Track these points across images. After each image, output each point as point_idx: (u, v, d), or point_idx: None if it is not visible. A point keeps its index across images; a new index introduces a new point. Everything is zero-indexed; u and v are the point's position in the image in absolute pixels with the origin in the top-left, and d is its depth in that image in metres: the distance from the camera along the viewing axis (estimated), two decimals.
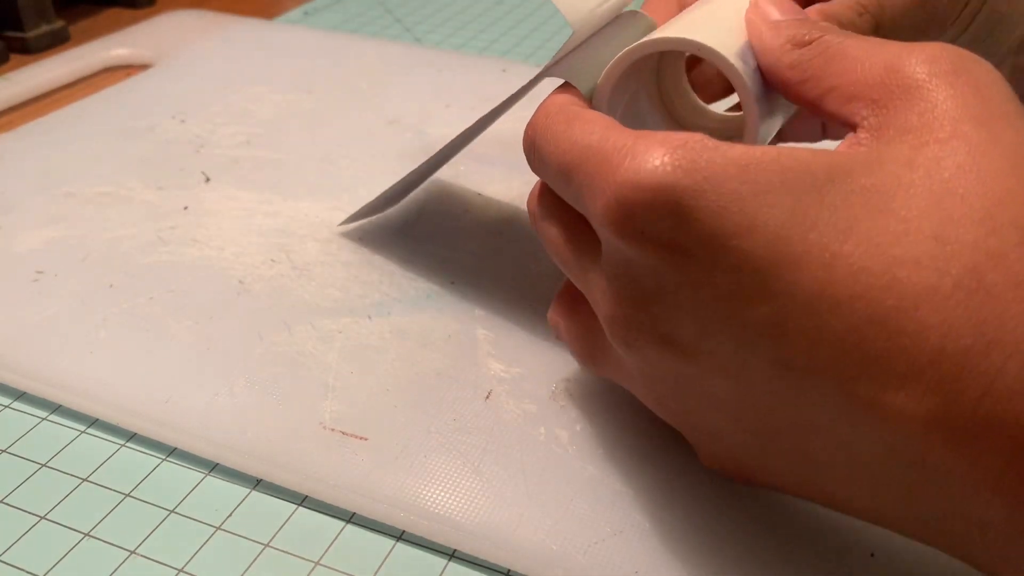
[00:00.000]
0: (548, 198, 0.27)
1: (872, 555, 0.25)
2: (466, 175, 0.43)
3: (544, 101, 0.26)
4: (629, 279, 0.23)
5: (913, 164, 0.20)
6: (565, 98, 0.26)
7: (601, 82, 0.27)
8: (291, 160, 0.45)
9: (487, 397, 0.30)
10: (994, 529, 0.19)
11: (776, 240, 0.20)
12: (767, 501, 0.26)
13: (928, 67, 0.21)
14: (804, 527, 0.26)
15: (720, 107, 0.31)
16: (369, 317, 0.34)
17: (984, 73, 0.22)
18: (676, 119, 0.31)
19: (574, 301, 0.28)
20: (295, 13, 0.67)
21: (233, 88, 0.52)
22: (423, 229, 0.39)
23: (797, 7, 0.26)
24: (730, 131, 0.30)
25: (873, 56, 0.22)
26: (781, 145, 0.22)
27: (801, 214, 0.20)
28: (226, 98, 0.51)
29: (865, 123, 0.22)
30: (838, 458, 0.21)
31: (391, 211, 0.40)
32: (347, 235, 0.39)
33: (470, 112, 0.49)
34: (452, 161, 0.44)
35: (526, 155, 0.27)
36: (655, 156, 0.21)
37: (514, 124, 0.46)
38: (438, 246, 0.38)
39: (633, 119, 0.29)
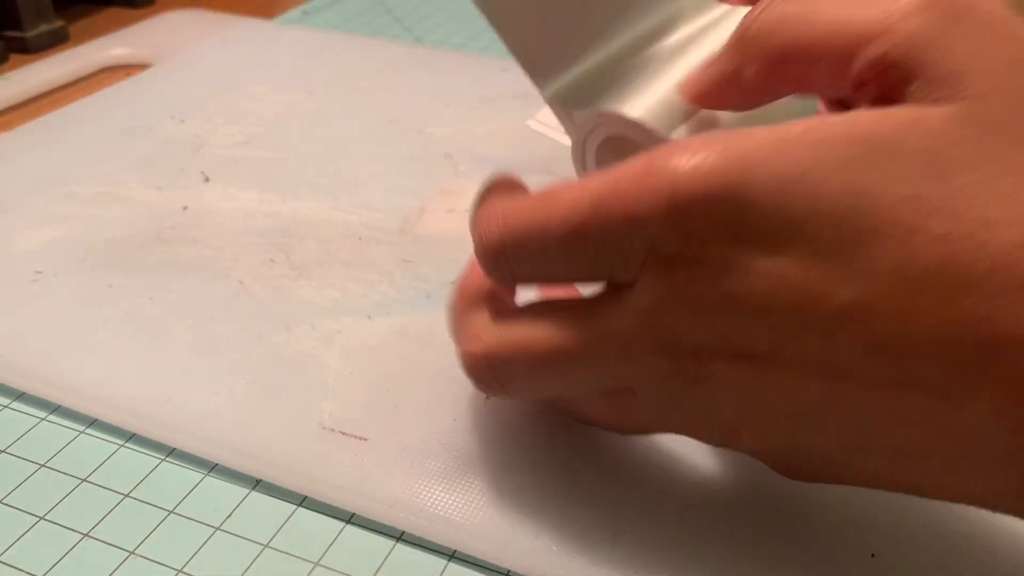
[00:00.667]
0: (506, 309, 0.25)
1: (872, 555, 0.25)
2: (466, 175, 0.43)
3: (486, 207, 0.24)
4: (689, 300, 0.21)
5: (971, 122, 0.19)
6: (500, 188, 0.25)
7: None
8: (291, 160, 0.45)
9: (487, 397, 0.30)
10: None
11: (845, 217, 0.19)
12: (769, 502, 0.26)
13: (934, 10, 0.20)
14: (804, 528, 0.26)
15: None
16: (369, 317, 0.34)
17: (993, 9, 0.20)
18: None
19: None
20: (294, 13, 0.67)
21: (232, 88, 0.52)
22: (423, 229, 0.39)
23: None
24: None
25: (864, 10, 0.21)
26: (839, 115, 0.20)
27: (868, 185, 0.19)
28: (225, 98, 0.51)
29: (903, 87, 0.20)
30: (933, 446, 0.20)
31: (391, 210, 0.40)
32: (347, 235, 0.39)
33: (470, 112, 0.49)
34: (453, 161, 0.44)
35: (496, 264, 0.24)
36: (692, 156, 0.20)
37: (514, 124, 0.47)
38: (438, 246, 0.38)
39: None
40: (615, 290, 0.22)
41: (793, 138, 0.20)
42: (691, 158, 0.20)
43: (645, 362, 0.22)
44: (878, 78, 0.21)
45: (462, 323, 0.26)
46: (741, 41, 0.23)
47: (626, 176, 0.21)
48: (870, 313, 0.19)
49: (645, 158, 0.21)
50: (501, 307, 0.25)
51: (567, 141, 0.29)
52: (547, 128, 0.31)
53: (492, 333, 0.24)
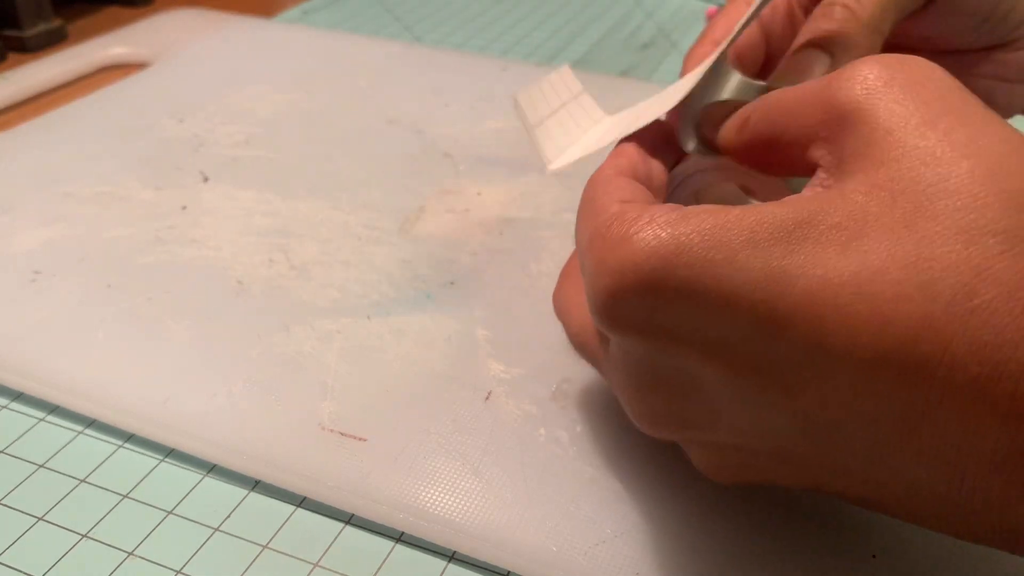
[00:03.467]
0: (567, 284, 0.28)
1: (874, 556, 0.25)
2: (466, 175, 0.43)
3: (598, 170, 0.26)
4: (631, 371, 0.23)
5: (873, 191, 0.19)
6: (608, 164, 0.26)
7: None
8: (290, 159, 0.45)
9: (487, 398, 0.30)
10: None
11: (759, 303, 0.19)
12: (768, 503, 0.26)
13: (859, 86, 0.21)
14: (805, 529, 0.26)
15: None
16: (368, 317, 0.34)
17: (919, 71, 0.21)
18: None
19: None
20: (294, 12, 0.67)
21: (231, 87, 0.52)
22: (423, 229, 0.39)
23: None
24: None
25: (807, 96, 0.22)
26: (750, 205, 0.21)
27: (777, 270, 0.19)
28: (224, 97, 0.51)
29: (823, 162, 0.21)
30: (878, 491, 0.21)
31: (390, 210, 0.40)
32: (347, 235, 0.39)
33: (470, 112, 0.49)
34: (452, 160, 0.44)
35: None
36: (625, 241, 0.21)
37: (514, 124, 0.47)
38: (438, 246, 0.38)
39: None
40: None
41: (721, 225, 0.20)
42: (625, 243, 0.21)
43: (613, 380, 0.25)
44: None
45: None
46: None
47: (589, 236, 0.22)
48: (791, 392, 0.20)
49: (607, 220, 0.22)
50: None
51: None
52: (528, 110, 0.31)
53: (562, 284, 0.28)
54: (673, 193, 0.28)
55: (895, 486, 0.20)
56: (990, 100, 0.32)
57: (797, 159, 0.22)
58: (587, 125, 0.32)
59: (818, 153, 0.21)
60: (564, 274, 0.29)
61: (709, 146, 0.27)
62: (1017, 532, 0.19)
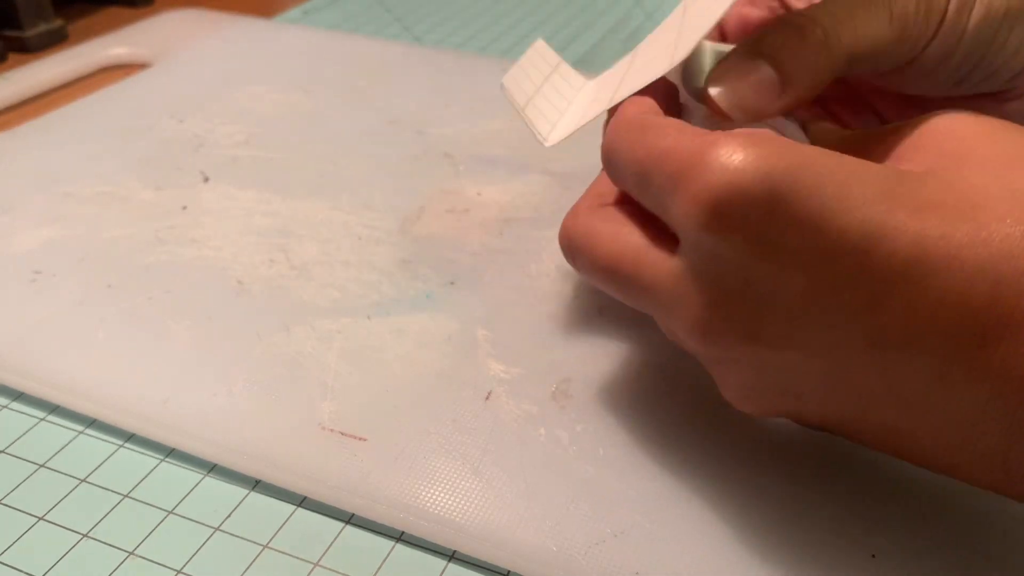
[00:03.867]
0: (592, 214, 0.27)
1: (873, 556, 0.25)
2: (466, 175, 0.43)
3: (618, 111, 0.27)
4: (714, 278, 0.22)
5: (965, 161, 0.22)
6: (638, 107, 0.26)
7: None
8: (290, 160, 0.45)
9: (487, 398, 0.30)
10: None
11: (869, 217, 0.20)
12: (769, 503, 0.26)
13: (945, 114, 0.23)
14: (805, 528, 0.26)
15: None
16: (368, 317, 0.34)
17: (993, 118, 0.23)
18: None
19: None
20: (294, 12, 0.67)
21: (232, 87, 0.52)
22: (423, 229, 0.39)
23: None
24: None
25: (901, 131, 0.24)
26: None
27: (889, 192, 0.21)
28: (225, 97, 0.51)
29: (911, 164, 0.23)
30: (926, 427, 0.22)
31: (390, 210, 0.40)
32: (347, 235, 0.39)
33: (470, 112, 0.49)
34: (452, 161, 0.44)
35: (604, 164, 0.27)
36: (740, 150, 0.21)
37: (513, 124, 0.47)
38: (438, 246, 0.38)
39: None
40: (670, 239, 0.24)
41: (837, 161, 0.21)
42: (738, 154, 0.21)
43: (671, 327, 0.25)
44: None
45: (591, 187, 0.29)
46: None
47: (673, 156, 0.23)
48: (878, 306, 0.21)
49: (700, 140, 0.22)
50: (606, 194, 0.28)
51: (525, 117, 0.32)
52: (515, 92, 0.32)
53: (579, 216, 0.28)
54: None
55: (946, 414, 0.21)
56: None
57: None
58: (571, 95, 0.33)
59: (907, 164, 0.23)
60: (580, 208, 0.28)
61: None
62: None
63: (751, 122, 0.27)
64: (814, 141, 0.27)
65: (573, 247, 0.28)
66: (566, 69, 0.34)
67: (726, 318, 0.23)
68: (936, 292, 0.20)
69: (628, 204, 0.27)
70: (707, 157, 0.22)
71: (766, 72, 0.27)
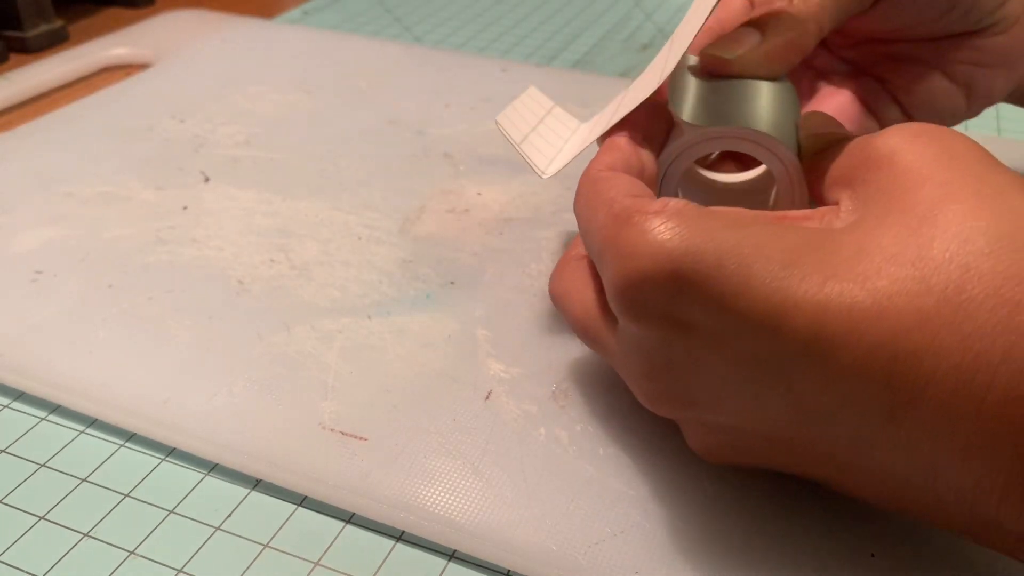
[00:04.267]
0: (568, 271, 0.29)
1: (872, 556, 0.25)
2: (466, 175, 0.43)
3: (596, 155, 0.28)
4: (643, 353, 0.24)
5: (889, 211, 0.22)
6: (603, 160, 0.27)
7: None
8: (290, 160, 0.45)
9: (487, 397, 0.30)
10: (1006, 527, 0.20)
11: (773, 292, 0.21)
12: (768, 502, 0.26)
13: (894, 139, 0.23)
14: (805, 528, 0.26)
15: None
16: (369, 317, 0.34)
17: (949, 134, 0.23)
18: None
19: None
20: (294, 12, 0.67)
21: (232, 88, 0.52)
22: (423, 229, 0.39)
23: None
24: (753, 192, 0.31)
25: (853, 147, 0.25)
26: (770, 219, 0.23)
27: (793, 264, 0.21)
28: (225, 98, 0.51)
29: (846, 196, 0.24)
30: (860, 479, 0.22)
31: (390, 210, 0.40)
32: (347, 235, 0.39)
33: (470, 112, 0.49)
34: (452, 161, 0.44)
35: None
36: (647, 233, 0.22)
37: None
38: (438, 246, 0.38)
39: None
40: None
41: (746, 236, 0.22)
42: (647, 232, 0.22)
43: (620, 361, 0.26)
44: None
45: (577, 235, 0.30)
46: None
47: (604, 224, 0.24)
48: (791, 377, 0.21)
49: (624, 210, 0.23)
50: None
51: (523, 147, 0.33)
52: (511, 129, 0.33)
53: (561, 269, 0.29)
54: (665, 175, 0.29)
55: (876, 475, 0.21)
56: (971, 86, 0.33)
57: (822, 192, 0.25)
58: (566, 133, 0.34)
59: (845, 192, 0.24)
60: (562, 262, 0.30)
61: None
62: (987, 525, 0.20)
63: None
64: (804, 142, 0.27)
65: (555, 303, 0.30)
66: (560, 112, 0.36)
67: (663, 387, 0.24)
68: (838, 368, 0.20)
69: (570, 269, 0.29)
70: (619, 241, 0.23)
71: (749, 32, 0.29)
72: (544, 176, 0.31)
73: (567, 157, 0.32)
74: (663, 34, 0.62)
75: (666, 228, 0.22)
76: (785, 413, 0.22)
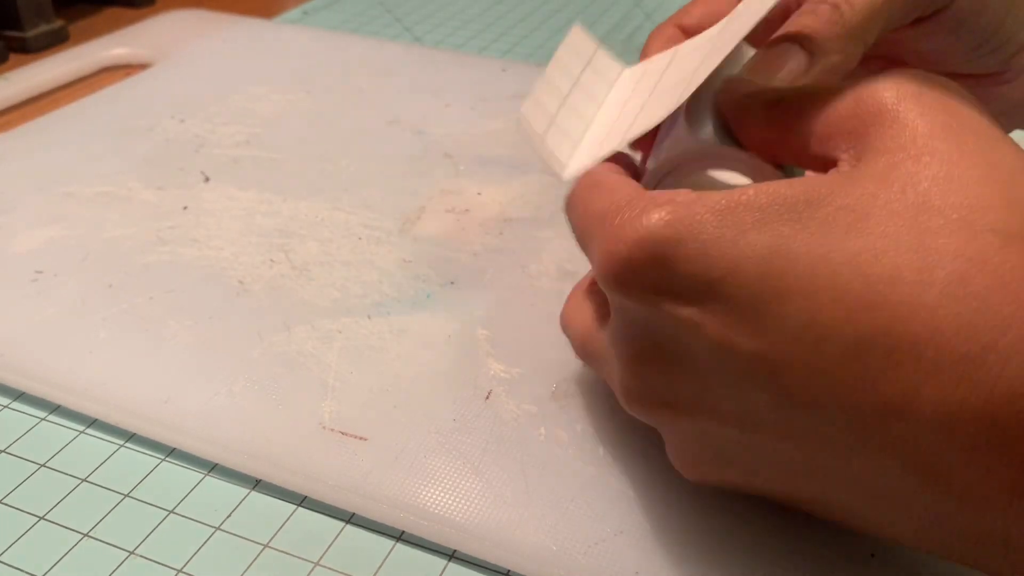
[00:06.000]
0: (574, 299, 0.29)
1: (872, 556, 0.25)
2: (466, 175, 0.43)
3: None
4: (629, 339, 0.23)
5: (887, 180, 0.20)
6: (600, 167, 0.27)
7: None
8: (291, 160, 0.45)
9: (487, 397, 0.30)
10: (1014, 543, 0.19)
11: (760, 276, 0.20)
12: (768, 502, 0.26)
13: (895, 91, 0.22)
14: (805, 528, 0.26)
15: None
16: (369, 317, 0.34)
17: (950, 91, 0.22)
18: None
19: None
20: (294, 12, 0.67)
21: (232, 88, 0.52)
22: (423, 229, 0.39)
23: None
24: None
25: (843, 92, 0.23)
26: (764, 183, 0.22)
27: (782, 247, 0.20)
28: (225, 98, 0.51)
29: (844, 155, 0.22)
30: (855, 493, 0.21)
31: (390, 210, 0.40)
32: (347, 235, 0.39)
33: (470, 112, 0.49)
34: (452, 161, 0.44)
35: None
36: (644, 214, 0.22)
37: (514, 124, 0.47)
38: (438, 246, 0.38)
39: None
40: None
41: (734, 204, 0.21)
42: (641, 218, 0.22)
43: (609, 359, 0.25)
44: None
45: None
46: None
47: (599, 217, 0.23)
48: (777, 367, 0.20)
49: (618, 202, 0.23)
50: None
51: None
52: (534, 118, 0.30)
53: (570, 299, 0.29)
54: (660, 185, 0.28)
55: (866, 484, 0.20)
56: None
57: (816, 150, 0.23)
58: (602, 93, 0.31)
59: (842, 145, 0.22)
60: (571, 294, 0.30)
61: (726, 124, 0.27)
62: (992, 539, 0.19)
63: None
64: (785, 94, 0.26)
65: (564, 331, 0.29)
66: (601, 57, 0.32)
67: (647, 382, 0.23)
68: (829, 358, 0.19)
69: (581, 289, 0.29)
70: (611, 220, 0.22)
71: (795, 51, 0.27)
72: (564, 177, 0.29)
73: (586, 158, 0.29)
74: None
75: (658, 210, 0.21)
76: (770, 407, 0.21)
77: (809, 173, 0.27)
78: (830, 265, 0.19)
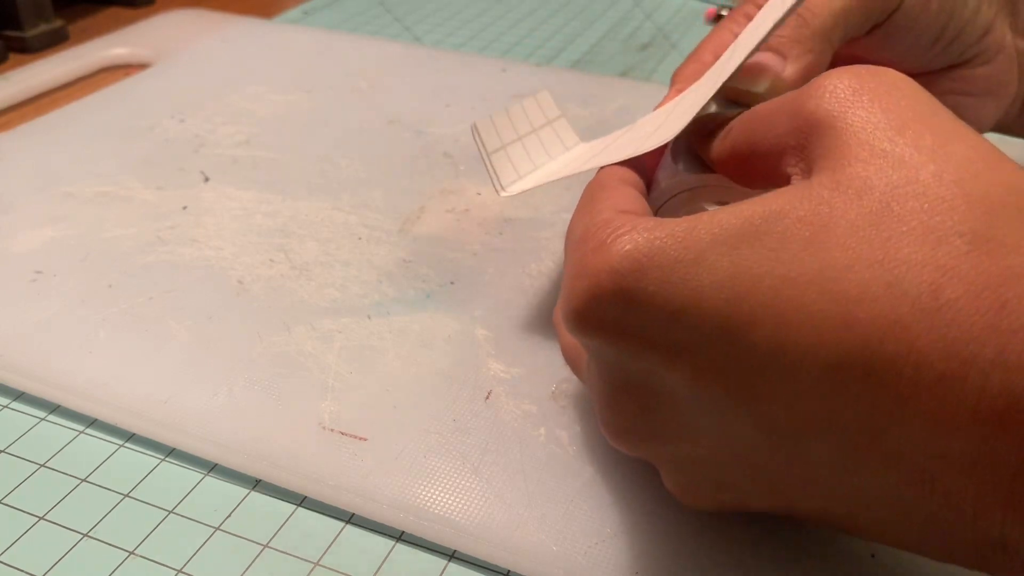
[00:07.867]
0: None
1: (873, 556, 0.25)
2: (466, 175, 0.43)
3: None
4: (603, 377, 0.23)
5: (838, 187, 0.19)
6: (617, 172, 0.26)
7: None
8: (290, 160, 0.45)
9: (487, 397, 0.30)
10: (1011, 548, 0.18)
11: (725, 302, 0.19)
12: None
13: (828, 95, 0.21)
14: (804, 528, 0.26)
15: None
16: (369, 317, 0.34)
17: (888, 81, 0.21)
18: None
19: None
20: (294, 12, 0.67)
21: (232, 88, 0.52)
22: (423, 229, 0.39)
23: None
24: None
25: (780, 105, 0.22)
26: (729, 205, 0.21)
27: (743, 269, 0.19)
28: (225, 98, 0.51)
29: (794, 170, 0.22)
30: (855, 505, 0.21)
31: (390, 210, 0.40)
32: (347, 235, 0.39)
33: (470, 112, 0.49)
34: (452, 160, 0.44)
35: None
36: (606, 244, 0.21)
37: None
38: (438, 246, 0.38)
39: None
40: None
41: (693, 227, 0.20)
42: (600, 252, 0.21)
43: (592, 393, 0.25)
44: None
45: None
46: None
47: (576, 245, 0.22)
48: (755, 397, 0.20)
49: (589, 234, 0.22)
50: None
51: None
52: (487, 136, 0.32)
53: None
54: (658, 213, 0.28)
55: (865, 498, 0.20)
56: (959, 115, 0.33)
57: (773, 169, 0.23)
58: (557, 152, 0.33)
59: (791, 161, 0.22)
60: (558, 302, 0.29)
61: (698, 157, 0.27)
62: (990, 545, 0.19)
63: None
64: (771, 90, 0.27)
65: (556, 328, 0.29)
66: (564, 125, 0.34)
67: (627, 419, 0.23)
68: (806, 383, 0.19)
69: None
70: (576, 258, 0.22)
71: (770, 55, 0.29)
72: (502, 194, 0.30)
73: (536, 181, 0.30)
74: (662, 34, 0.62)
75: (621, 240, 0.21)
76: (754, 435, 0.20)
77: None
78: (795, 286, 0.19)
